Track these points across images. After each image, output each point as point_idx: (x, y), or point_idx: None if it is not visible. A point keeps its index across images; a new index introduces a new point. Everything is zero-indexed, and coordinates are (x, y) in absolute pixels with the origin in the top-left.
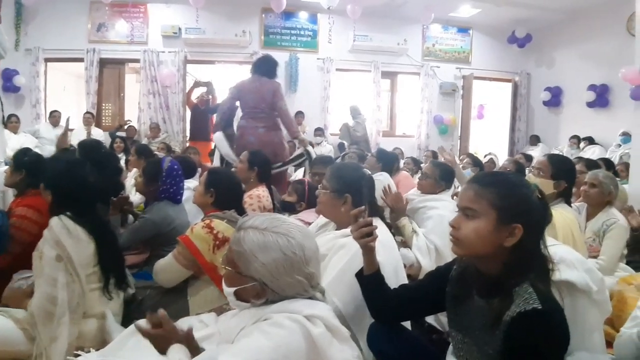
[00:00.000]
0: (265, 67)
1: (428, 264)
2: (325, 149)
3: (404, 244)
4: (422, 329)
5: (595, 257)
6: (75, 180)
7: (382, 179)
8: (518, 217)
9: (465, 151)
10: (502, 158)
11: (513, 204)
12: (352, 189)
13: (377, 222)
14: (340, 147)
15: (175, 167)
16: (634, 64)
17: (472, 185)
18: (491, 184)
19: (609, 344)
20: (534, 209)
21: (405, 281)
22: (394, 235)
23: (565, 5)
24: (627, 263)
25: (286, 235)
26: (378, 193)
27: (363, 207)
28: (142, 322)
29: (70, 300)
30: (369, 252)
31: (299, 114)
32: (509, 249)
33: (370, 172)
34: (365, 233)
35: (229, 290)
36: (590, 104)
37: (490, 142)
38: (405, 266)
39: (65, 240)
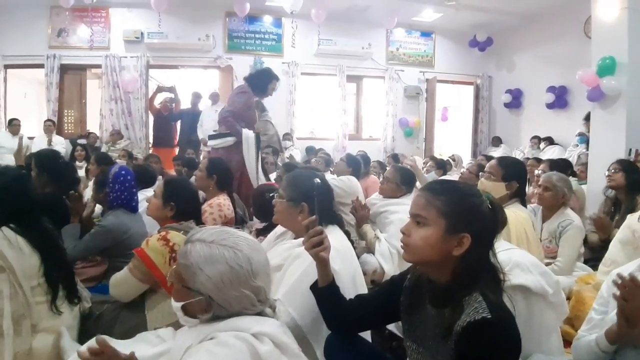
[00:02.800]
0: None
1: (391, 269)
2: (292, 153)
3: (368, 249)
4: (383, 336)
5: (552, 258)
6: (17, 195)
7: (348, 183)
8: (467, 226)
9: (430, 153)
10: (466, 160)
11: (462, 213)
12: (308, 197)
13: (334, 229)
14: (309, 151)
15: (123, 172)
16: (591, 66)
17: (424, 192)
18: (441, 193)
19: (569, 343)
20: (483, 219)
21: (365, 289)
22: (353, 243)
23: (524, 9)
24: (586, 262)
25: (233, 248)
26: (348, 196)
27: (314, 216)
28: (83, 349)
29: (14, 311)
30: (321, 263)
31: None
32: (458, 258)
33: (333, 178)
34: (316, 243)
35: (176, 305)
36: (549, 105)
37: (455, 143)
38: (365, 273)
39: (6, 252)
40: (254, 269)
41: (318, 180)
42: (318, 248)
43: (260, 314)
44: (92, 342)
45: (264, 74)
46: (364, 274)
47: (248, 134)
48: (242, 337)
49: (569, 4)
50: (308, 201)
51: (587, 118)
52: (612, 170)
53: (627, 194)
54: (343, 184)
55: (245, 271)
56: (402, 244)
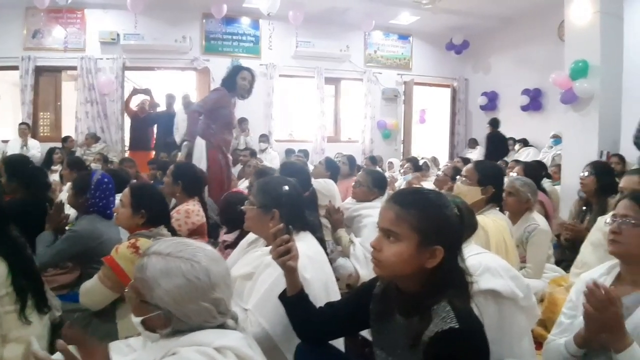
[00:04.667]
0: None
1: (366, 273)
2: (270, 155)
3: (344, 253)
4: (355, 342)
5: (521, 262)
6: None
7: (325, 185)
8: (439, 239)
9: (408, 155)
10: (443, 161)
11: (434, 226)
12: (279, 203)
13: (305, 236)
14: (288, 153)
15: (106, 180)
16: (564, 69)
17: (393, 206)
18: (412, 206)
19: (542, 345)
20: (453, 229)
21: (338, 295)
22: (325, 249)
23: (500, 12)
24: (558, 263)
25: (190, 260)
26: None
27: (281, 225)
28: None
29: None
30: (290, 271)
31: (243, 120)
32: (430, 269)
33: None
34: (282, 252)
35: (136, 321)
36: (524, 108)
37: (432, 145)
38: (339, 278)
39: None
40: (213, 281)
41: (286, 187)
42: (285, 257)
43: (222, 325)
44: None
45: (231, 69)
46: (338, 279)
47: (201, 142)
48: (204, 352)
49: (543, 8)
50: (279, 208)
51: None
52: (584, 174)
53: (598, 196)
54: (321, 187)
55: (203, 283)
56: (373, 259)
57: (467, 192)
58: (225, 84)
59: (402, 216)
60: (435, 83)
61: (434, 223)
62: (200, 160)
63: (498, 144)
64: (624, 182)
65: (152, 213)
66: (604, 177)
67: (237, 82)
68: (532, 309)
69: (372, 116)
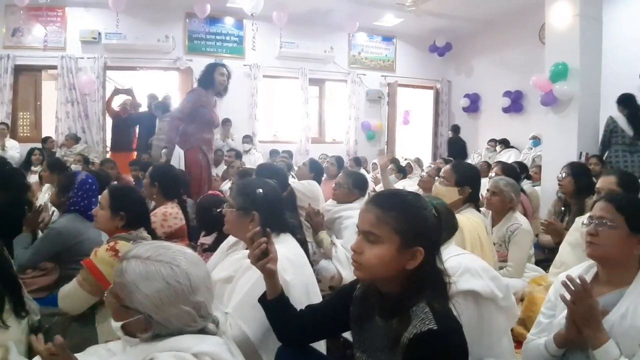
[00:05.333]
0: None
1: (348, 275)
2: (254, 156)
3: (326, 255)
4: (337, 344)
5: (503, 262)
6: None
7: (309, 187)
8: (419, 240)
9: (392, 156)
10: (426, 162)
11: (414, 228)
12: (258, 205)
13: (286, 238)
14: (273, 154)
15: (90, 180)
16: (544, 72)
17: (373, 208)
18: (392, 208)
19: (522, 344)
20: (432, 230)
21: (319, 298)
22: (307, 250)
23: (482, 15)
24: (538, 263)
25: (170, 263)
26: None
27: (257, 228)
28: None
29: None
30: (269, 274)
31: (227, 121)
32: (410, 271)
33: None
34: (259, 255)
35: (116, 325)
36: (505, 109)
37: (416, 146)
38: (320, 280)
39: None
40: (193, 284)
41: (260, 190)
42: (263, 260)
43: (203, 329)
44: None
45: (207, 66)
46: (319, 281)
47: (179, 151)
48: (181, 358)
49: (525, 11)
50: (258, 210)
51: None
52: (562, 175)
53: (576, 197)
54: (304, 189)
55: (183, 287)
56: (353, 262)
57: (445, 192)
58: (203, 82)
59: (383, 218)
60: (418, 85)
61: (413, 224)
62: (177, 165)
63: (459, 149)
64: (600, 183)
65: (131, 215)
66: (581, 178)
67: (215, 79)
68: (512, 308)
69: (357, 117)
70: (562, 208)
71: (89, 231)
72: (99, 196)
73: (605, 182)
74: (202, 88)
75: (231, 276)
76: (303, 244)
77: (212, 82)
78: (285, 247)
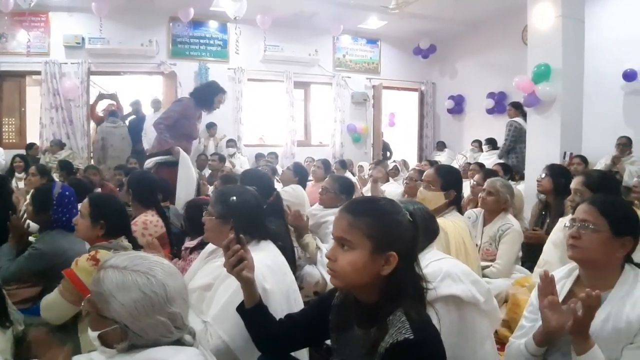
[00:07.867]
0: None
1: None
2: (240, 160)
3: (311, 260)
4: (320, 351)
5: (491, 260)
6: None
7: (293, 193)
8: (392, 244)
9: (378, 159)
10: (412, 164)
11: (386, 232)
12: (235, 213)
13: (267, 245)
14: (258, 157)
15: (67, 193)
16: (527, 73)
17: (345, 215)
18: (363, 213)
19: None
20: (406, 234)
21: (300, 305)
22: (294, 255)
23: (466, 17)
24: (522, 264)
25: (146, 273)
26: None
27: (232, 236)
28: None
29: None
30: (246, 283)
31: (212, 125)
32: (386, 277)
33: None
34: (235, 263)
35: (93, 335)
36: (489, 111)
37: (402, 148)
38: (302, 287)
39: None
40: (169, 295)
41: (234, 197)
42: (238, 267)
43: (179, 340)
44: None
45: (210, 87)
46: (302, 288)
47: (184, 154)
48: None
49: (507, 13)
50: (236, 217)
51: None
52: (541, 176)
53: (555, 197)
54: (289, 195)
55: (159, 297)
56: (329, 270)
57: (431, 197)
58: (199, 99)
59: (354, 224)
60: (403, 87)
61: (385, 229)
62: (188, 169)
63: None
64: (573, 183)
65: (111, 224)
66: (559, 178)
67: (213, 103)
68: (494, 312)
69: (342, 120)
70: (543, 212)
71: (74, 246)
72: (79, 205)
73: (575, 182)
74: (193, 100)
75: (210, 284)
76: (287, 250)
77: (210, 104)
78: (265, 255)
